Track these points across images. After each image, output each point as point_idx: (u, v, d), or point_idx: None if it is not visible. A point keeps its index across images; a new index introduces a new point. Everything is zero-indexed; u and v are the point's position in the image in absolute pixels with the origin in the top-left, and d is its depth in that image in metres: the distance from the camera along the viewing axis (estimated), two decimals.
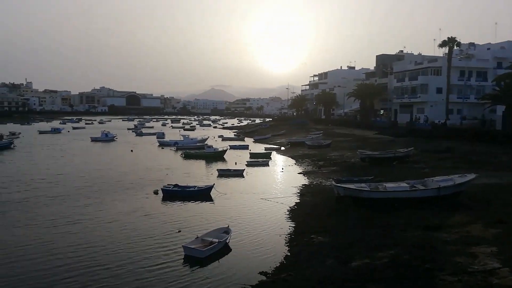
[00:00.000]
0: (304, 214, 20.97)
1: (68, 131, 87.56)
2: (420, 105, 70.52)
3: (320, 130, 68.18)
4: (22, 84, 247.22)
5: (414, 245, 13.73)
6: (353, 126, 71.35)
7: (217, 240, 15.85)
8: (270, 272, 13.77)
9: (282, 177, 33.24)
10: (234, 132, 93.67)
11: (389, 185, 20.93)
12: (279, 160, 43.92)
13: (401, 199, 19.52)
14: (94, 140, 66.24)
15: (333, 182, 23.69)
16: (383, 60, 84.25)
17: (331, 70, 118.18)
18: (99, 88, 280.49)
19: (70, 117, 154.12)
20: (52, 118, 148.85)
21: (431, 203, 18.90)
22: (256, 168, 37.49)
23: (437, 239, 14.20)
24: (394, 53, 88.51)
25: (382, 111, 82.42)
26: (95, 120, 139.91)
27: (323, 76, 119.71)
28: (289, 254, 15.59)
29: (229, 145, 51.64)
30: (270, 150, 50.76)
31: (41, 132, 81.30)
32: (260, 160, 40.80)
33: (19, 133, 75.54)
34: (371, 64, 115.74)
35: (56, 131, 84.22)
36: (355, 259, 13.28)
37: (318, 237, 16.65)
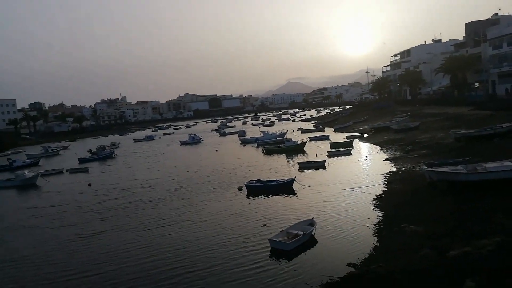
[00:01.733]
0: (392, 202, 19.79)
1: (160, 138, 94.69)
2: None
3: (407, 112, 63.60)
4: (118, 99, 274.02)
5: None
6: (444, 103, 65.37)
7: (302, 233, 15.73)
8: (359, 263, 13.26)
9: (366, 166, 31.82)
10: (313, 123, 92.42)
11: (490, 165, 18.69)
12: (362, 148, 42.16)
13: (505, 179, 17.30)
14: (183, 143, 70.69)
15: (424, 167, 21.92)
16: (474, 28, 75.56)
17: (414, 46, 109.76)
18: (183, 95, 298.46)
19: (160, 125, 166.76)
20: (145, 127, 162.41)
21: None
22: (338, 158, 36.49)
23: None
24: (486, 18, 78.97)
25: (476, 84, 74.18)
26: (183, 125, 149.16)
27: (405, 54, 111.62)
28: (378, 244, 14.84)
29: (309, 137, 51.06)
30: (352, 138, 49.01)
31: (136, 141, 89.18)
32: (342, 150, 39.56)
33: (119, 143, 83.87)
34: (459, 35, 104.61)
35: (149, 138, 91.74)
36: (454, 248, 12.11)
37: (410, 226, 15.55)
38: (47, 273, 15.79)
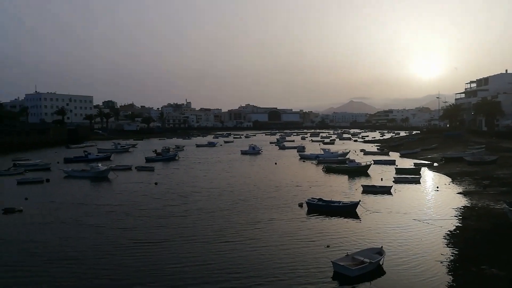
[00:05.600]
0: (468, 240, 18.33)
1: (221, 145, 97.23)
2: None
3: (482, 144, 59.15)
4: (183, 104, 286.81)
5: None
6: None
7: (368, 260, 15.04)
8: None
9: (437, 197, 29.86)
10: (376, 146, 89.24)
11: None
12: (431, 178, 39.73)
13: None
14: (244, 153, 71.85)
15: (506, 206, 20.11)
16: None
17: (493, 74, 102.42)
18: (244, 105, 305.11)
19: (221, 132, 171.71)
20: (207, 133, 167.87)
21: None
22: (405, 185, 34.72)
23: None
24: None
25: None
26: (242, 135, 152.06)
27: (482, 82, 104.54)
28: (454, 284, 13.74)
29: (373, 160, 49.29)
30: (420, 166, 46.46)
31: (198, 146, 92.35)
32: (410, 177, 37.56)
33: (183, 146, 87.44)
34: None
35: (211, 145, 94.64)
36: None
37: (492, 269, 14.26)
38: (93, 281, 14.92)
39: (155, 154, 63.10)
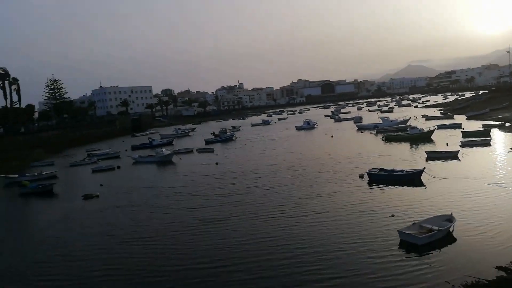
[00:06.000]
0: None
1: (275, 122, 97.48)
2: None
3: None
4: (236, 85, 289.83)
5: None
6: None
7: (437, 228, 14.58)
8: None
9: (510, 159, 27.78)
10: (439, 110, 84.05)
11: None
12: (503, 139, 36.90)
13: None
14: (299, 128, 71.57)
15: None
16: None
17: None
18: (296, 81, 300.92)
19: (274, 110, 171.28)
20: (260, 112, 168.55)
21: None
22: (473, 149, 32.65)
23: None
24: None
25: None
26: (295, 111, 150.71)
27: None
28: None
29: (436, 125, 46.65)
30: (490, 127, 43.16)
31: (253, 125, 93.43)
32: (479, 140, 35.18)
33: (239, 126, 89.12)
34: None
35: (265, 123, 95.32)
36: None
37: None
38: (168, 259, 15.55)
39: (214, 136, 65.00)
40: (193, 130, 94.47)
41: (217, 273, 13.92)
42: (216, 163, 38.68)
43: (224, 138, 62.83)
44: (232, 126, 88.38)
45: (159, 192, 28.41)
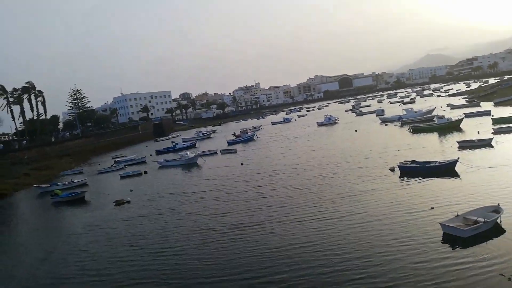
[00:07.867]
0: None
1: (295, 120, 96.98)
2: None
3: None
4: (252, 85, 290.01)
5: None
6: None
7: (483, 220, 14.04)
8: None
9: None
10: (464, 98, 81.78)
11: None
12: None
13: None
14: (320, 124, 70.94)
15: None
16: None
17: None
18: (313, 77, 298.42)
19: (292, 108, 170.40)
20: (279, 110, 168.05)
21: None
22: (507, 136, 31.52)
23: None
24: None
25: None
26: (314, 107, 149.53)
27: None
28: None
29: (464, 113, 45.33)
30: None
31: (273, 123, 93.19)
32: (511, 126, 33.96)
33: (260, 126, 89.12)
34: None
35: (286, 121, 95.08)
36: None
37: None
38: (190, 267, 15.29)
39: (235, 137, 65.16)
40: (214, 132, 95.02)
41: (251, 285, 13.11)
42: (241, 163, 38.69)
43: (246, 138, 62.84)
44: (253, 126, 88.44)
45: (186, 197, 28.34)
